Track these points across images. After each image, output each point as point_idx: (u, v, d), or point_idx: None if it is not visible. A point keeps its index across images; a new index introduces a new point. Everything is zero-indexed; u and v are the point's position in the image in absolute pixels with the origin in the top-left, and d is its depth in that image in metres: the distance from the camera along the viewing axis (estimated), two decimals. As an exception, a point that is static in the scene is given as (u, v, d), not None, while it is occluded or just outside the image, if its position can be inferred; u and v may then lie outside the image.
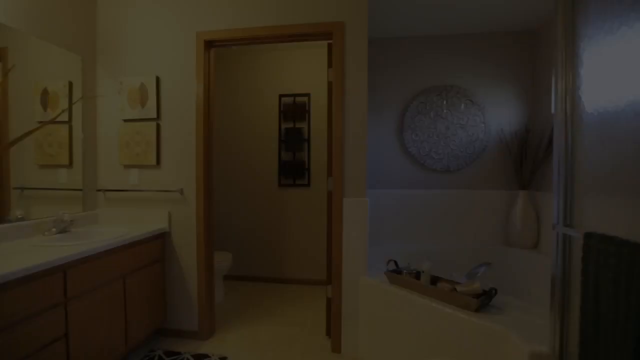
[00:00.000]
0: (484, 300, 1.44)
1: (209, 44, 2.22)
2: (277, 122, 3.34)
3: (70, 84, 2.11)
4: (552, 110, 1.17)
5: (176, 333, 2.27)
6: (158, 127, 2.24)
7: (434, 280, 1.70)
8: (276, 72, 3.35)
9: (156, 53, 2.24)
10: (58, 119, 2.02)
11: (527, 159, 2.48)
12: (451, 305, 1.50)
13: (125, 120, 2.27)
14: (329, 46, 2.15)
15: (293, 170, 3.31)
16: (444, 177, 2.75)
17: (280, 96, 3.32)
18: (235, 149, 3.44)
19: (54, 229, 1.87)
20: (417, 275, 1.76)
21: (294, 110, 3.31)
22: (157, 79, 2.23)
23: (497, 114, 2.65)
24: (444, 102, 2.72)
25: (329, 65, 2.15)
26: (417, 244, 2.73)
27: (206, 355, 2.02)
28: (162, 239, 2.21)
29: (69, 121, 2.10)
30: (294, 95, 3.30)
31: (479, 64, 2.67)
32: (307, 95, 3.28)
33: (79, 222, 2.14)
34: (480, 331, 1.35)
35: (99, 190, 2.32)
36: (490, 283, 1.53)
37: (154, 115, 2.22)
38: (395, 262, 1.93)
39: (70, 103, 2.10)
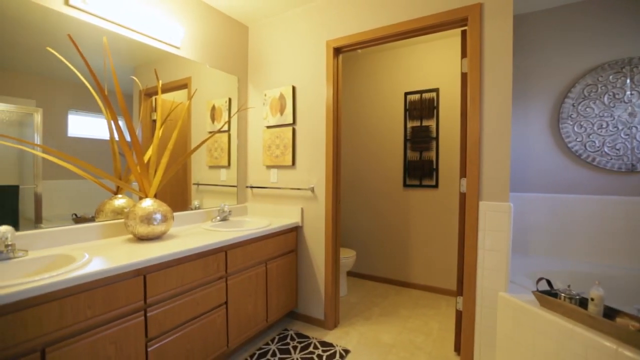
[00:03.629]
0: (700, 353, 1.03)
1: (337, 51, 2.34)
2: (403, 121, 3.25)
3: (230, 100, 2.59)
4: None
5: (305, 318, 2.49)
6: (294, 131, 2.51)
7: (610, 313, 1.32)
8: (400, 70, 3.26)
9: (292, 65, 2.51)
10: (222, 129, 2.52)
11: None
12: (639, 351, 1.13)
13: (267, 127, 2.63)
14: (463, 34, 1.95)
15: (419, 171, 3.15)
16: (625, 179, 2.11)
17: (406, 94, 3.21)
18: (361, 149, 3.53)
19: (217, 217, 2.34)
20: (582, 302, 1.41)
21: (420, 108, 3.15)
22: (293, 88, 2.50)
23: None
24: (627, 81, 2.08)
25: (463, 55, 1.95)
26: (574, 262, 2.19)
27: (331, 345, 2.14)
28: (295, 232, 2.47)
29: (228, 130, 2.59)
30: (421, 92, 3.14)
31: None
32: (436, 90, 3.07)
33: (234, 213, 2.61)
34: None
35: (247, 187, 2.77)
36: None
37: (290, 121, 2.50)
38: (549, 282, 1.59)
39: (229, 116, 2.58)
